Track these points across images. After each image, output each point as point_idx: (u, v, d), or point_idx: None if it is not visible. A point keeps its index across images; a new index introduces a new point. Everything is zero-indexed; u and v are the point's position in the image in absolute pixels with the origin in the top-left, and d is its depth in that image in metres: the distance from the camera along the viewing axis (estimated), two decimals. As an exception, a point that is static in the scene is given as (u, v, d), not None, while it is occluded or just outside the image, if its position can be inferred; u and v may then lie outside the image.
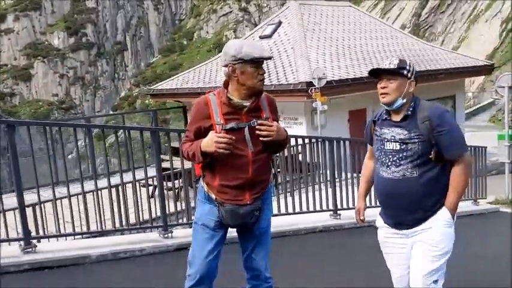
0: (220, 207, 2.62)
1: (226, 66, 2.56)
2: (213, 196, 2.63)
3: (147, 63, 63.54)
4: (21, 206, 4.24)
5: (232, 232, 2.82)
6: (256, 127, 2.52)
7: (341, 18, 17.42)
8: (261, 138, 2.54)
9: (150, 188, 7.58)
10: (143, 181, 6.58)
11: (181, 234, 5.13)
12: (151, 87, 18.71)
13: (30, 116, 50.43)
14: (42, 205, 4.65)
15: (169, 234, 5.05)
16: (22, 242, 4.27)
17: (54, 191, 4.58)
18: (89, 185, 5.44)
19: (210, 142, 2.47)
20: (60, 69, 59.11)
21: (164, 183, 6.82)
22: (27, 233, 4.29)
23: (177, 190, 6.95)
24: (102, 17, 62.97)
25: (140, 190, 5.86)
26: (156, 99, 18.17)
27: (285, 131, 2.69)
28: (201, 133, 2.57)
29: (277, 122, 2.70)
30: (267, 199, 2.76)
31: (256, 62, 2.53)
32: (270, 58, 2.61)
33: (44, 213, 5.12)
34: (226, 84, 2.62)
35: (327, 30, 16.07)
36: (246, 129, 2.55)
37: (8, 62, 59.11)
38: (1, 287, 3.69)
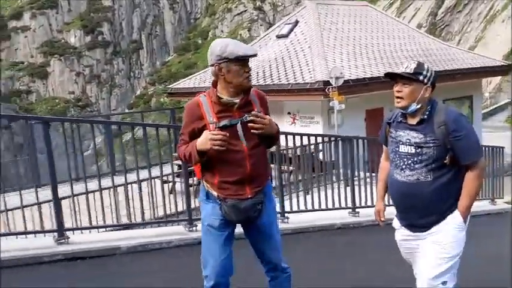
0: (222, 203, 2.65)
1: (212, 65, 2.60)
2: (215, 193, 2.67)
3: (162, 61, 63.93)
4: (56, 199, 4.44)
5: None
6: (249, 119, 2.56)
7: (358, 17, 17.45)
8: (253, 131, 2.57)
9: (168, 185, 7.75)
10: (164, 177, 6.77)
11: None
12: (169, 86, 18.94)
13: (46, 114, 51.06)
14: (74, 198, 4.82)
15: (194, 228, 5.21)
16: (56, 234, 4.47)
17: (86, 185, 4.77)
18: (107, 181, 5.61)
19: (205, 140, 2.52)
20: (76, 67, 59.75)
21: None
22: (61, 225, 4.48)
23: (196, 186, 7.11)
24: (118, 15, 63.49)
25: (162, 185, 6.03)
26: (173, 98, 18.38)
27: (276, 125, 2.73)
28: (195, 134, 2.61)
29: (268, 116, 2.72)
30: (268, 192, 2.80)
31: (241, 60, 2.56)
32: (254, 55, 2.65)
33: (73, 207, 5.29)
34: (215, 84, 2.66)
35: (344, 29, 16.12)
36: (239, 124, 2.58)
37: (24, 59, 59.89)
38: None
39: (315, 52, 13.78)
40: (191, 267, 4.40)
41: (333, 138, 7.14)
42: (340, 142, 7.02)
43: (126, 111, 51.84)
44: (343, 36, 15.67)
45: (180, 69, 57.82)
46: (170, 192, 7.71)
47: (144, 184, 5.57)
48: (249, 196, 2.64)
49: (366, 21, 17.47)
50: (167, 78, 57.97)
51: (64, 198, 4.88)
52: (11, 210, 4.69)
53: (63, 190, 4.94)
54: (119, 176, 6.17)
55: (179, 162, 7.29)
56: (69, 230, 4.64)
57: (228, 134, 2.52)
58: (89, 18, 61.83)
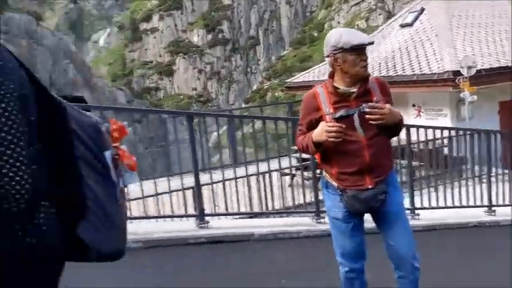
0: (342, 194, 2.63)
1: (328, 56, 2.60)
2: (334, 184, 2.66)
3: (277, 56, 64.99)
4: (197, 186, 4.83)
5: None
6: (367, 111, 2.50)
7: (490, 2, 16.09)
8: (371, 122, 2.50)
9: (285, 177, 7.92)
10: (284, 170, 6.98)
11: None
12: (287, 80, 19.25)
13: (173, 109, 54.76)
14: (212, 186, 5.20)
15: (322, 220, 5.29)
16: (197, 218, 4.86)
17: (223, 174, 5.11)
18: (229, 172, 5.87)
19: (321, 132, 2.52)
20: (198, 65, 63.33)
21: (304, 173, 7.14)
22: (202, 211, 4.87)
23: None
24: (237, 13, 65.87)
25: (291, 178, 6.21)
26: (288, 92, 18.66)
27: (400, 114, 2.62)
28: (312, 125, 2.62)
29: (391, 105, 2.62)
30: (392, 182, 2.71)
31: (357, 49, 2.52)
32: (370, 44, 2.59)
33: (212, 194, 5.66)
34: (331, 75, 2.65)
35: (475, 15, 14.99)
36: (355, 115, 2.53)
37: (153, 58, 64.98)
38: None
39: (442, 40, 13.03)
40: (320, 258, 4.53)
41: (468, 132, 6.75)
42: (475, 136, 6.61)
43: (243, 105, 53.62)
44: (474, 22, 14.58)
45: (295, 63, 58.17)
46: (290, 185, 7.90)
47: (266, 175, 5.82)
48: (370, 186, 2.59)
49: (500, 4, 16.05)
50: (282, 73, 58.76)
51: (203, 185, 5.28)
52: (156, 195, 5.18)
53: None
54: (241, 167, 6.42)
55: (298, 155, 7.41)
56: (208, 215, 5.02)
57: (344, 125, 2.49)
58: (210, 18, 65.05)
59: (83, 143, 1.30)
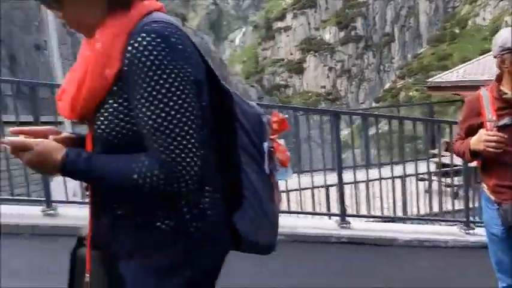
0: (499, 207, 2.43)
1: (495, 57, 2.40)
2: (492, 197, 2.47)
3: (414, 54, 62.07)
4: (340, 186, 4.84)
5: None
6: None
7: None
8: None
9: (424, 183, 7.47)
10: (421, 175, 6.62)
11: (483, 233, 4.99)
12: (428, 80, 18.24)
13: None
14: (355, 185, 5.16)
15: (471, 231, 4.98)
16: (338, 218, 4.88)
17: (367, 174, 5.05)
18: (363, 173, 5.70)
19: (478, 140, 2.35)
20: (329, 63, 63.17)
21: (443, 180, 6.68)
22: (344, 211, 4.87)
23: (456, 188, 6.71)
24: (372, 9, 64.27)
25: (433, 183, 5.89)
26: (430, 92, 17.66)
27: None
28: (473, 130, 2.44)
29: None
30: None
31: None
32: None
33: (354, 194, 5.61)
34: (499, 78, 2.43)
35: None
36: None
37: (284, 56, 66.37)
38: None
39: None
40: (468, 268, 4.25)
41: None
42: None
43: (373, 104, 52.14)
44: None
45: (433, 62, 55.10)
46: (426, 191, 7.47)
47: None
48: None
49: None
50: (418, 71, 56.11)
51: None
52: (300, 190, 5.27)
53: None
54: (382, 168, 6.24)
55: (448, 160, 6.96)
56: (350, 216, 5.00)
57: (506, 136, 2.30)
58: (343, 15, 64.44)
59: (247, 132, 1.31)
